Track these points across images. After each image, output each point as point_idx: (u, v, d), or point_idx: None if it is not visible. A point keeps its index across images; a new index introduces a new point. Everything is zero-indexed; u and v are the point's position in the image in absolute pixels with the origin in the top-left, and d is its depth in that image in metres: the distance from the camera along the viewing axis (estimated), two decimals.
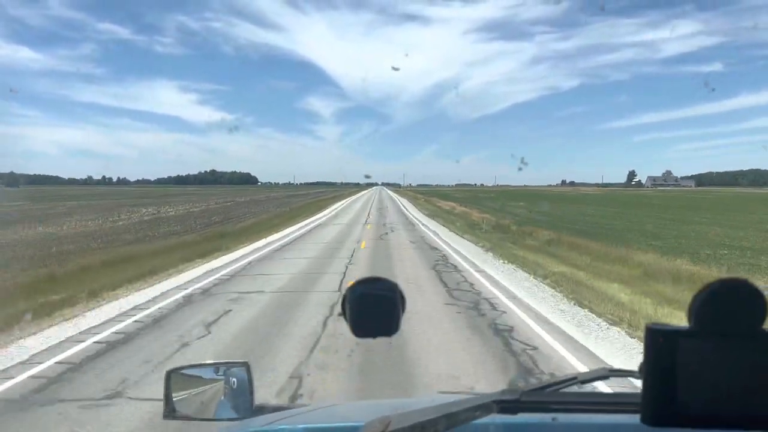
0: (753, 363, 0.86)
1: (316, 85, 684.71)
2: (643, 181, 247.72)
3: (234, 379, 1.62)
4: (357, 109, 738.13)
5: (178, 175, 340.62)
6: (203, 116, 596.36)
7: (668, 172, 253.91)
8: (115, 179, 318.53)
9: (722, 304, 0.86)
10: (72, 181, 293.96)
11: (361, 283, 1.18)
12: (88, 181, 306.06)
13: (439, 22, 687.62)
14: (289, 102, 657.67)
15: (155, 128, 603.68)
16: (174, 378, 1.62)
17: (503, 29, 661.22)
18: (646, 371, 0.89)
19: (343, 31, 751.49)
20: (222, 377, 1.64)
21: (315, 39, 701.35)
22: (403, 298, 1.18)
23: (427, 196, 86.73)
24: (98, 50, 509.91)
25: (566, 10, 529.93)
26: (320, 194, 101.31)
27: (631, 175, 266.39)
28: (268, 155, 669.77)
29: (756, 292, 0.86)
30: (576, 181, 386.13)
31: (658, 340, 0.88)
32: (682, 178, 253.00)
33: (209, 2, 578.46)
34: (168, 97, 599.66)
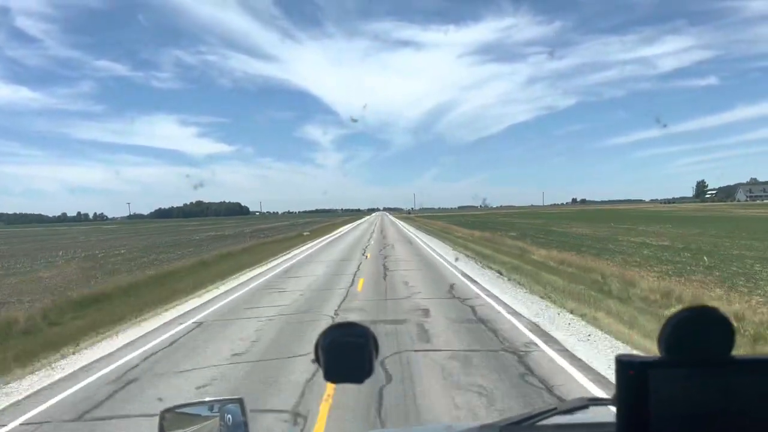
0: (724, 390, 0.86)
1: (314, 113, 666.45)
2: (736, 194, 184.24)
3: (229, 416, 1.56)
4: (356, 136, 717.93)
5: (160, 208, 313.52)
6: (202, 149, 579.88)
7: (754, 180, 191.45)
8: (91, 216, 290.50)
9: (691, 332, 0.86)
10: (41, 218, 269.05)
11: (334, 328, 1.18)
12: (62, 218, 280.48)
13: (433, 47, 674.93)
14: (288, 131, 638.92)
15: (155, 162, 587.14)
16: (168, 417, 1.55)
17: (497, 51, 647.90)
18: (618, 402, 0.89)
19: (339, 59, 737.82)
20: (217, 414, 1.57)
21: (311, 68, 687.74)
22: (376, 343, 1.18)
23: (480, 230, 42.94)
24: (96, 87, 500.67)
25: (559, 30, 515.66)
26: (276, 230, 63.57)
27: (702, 186, 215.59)
28: (268, 185, 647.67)
29: (723, 319, 0.87)
30: (587, 198, 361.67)
31: (627, 371, 0.87)
32: None
33: (203, 36, 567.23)
34: (167, 131, 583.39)
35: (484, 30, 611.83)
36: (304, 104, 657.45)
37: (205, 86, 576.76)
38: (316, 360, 1.16)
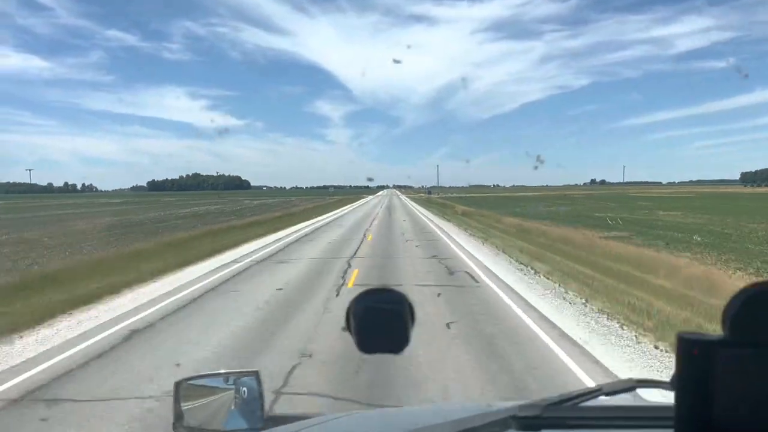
0: None
1: (325, 88, 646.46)
2: None
3: (244, 389, 1.54)
4: (366, 112, 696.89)
5: (153, 180, 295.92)
6: (212, 122, 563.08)
7: None
8: (79, 187, 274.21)
9: (759, 311, 0.79)
10: (31, 188, 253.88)
11: (368, 294, 1.12)
12: (48, 189, 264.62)
13: (446, 23, 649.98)
14: (298, 106, 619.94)
15: (162, 134, 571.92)
16: (183, 388, 1.53)
17: (511, 28, 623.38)
18: (679, 384, 0.83)
19: (350, 33, 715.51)
20: (232, 387, 1.56)
21: (322, 42, 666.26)
22: (412, 311, 1.11)
23: None
24: (106, 58, 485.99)
25: (574, 7, 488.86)
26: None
27: None
28: (277, 159, 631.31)
29: None
30: (606, 180, 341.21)
31: (691, 351, 0.82)
32: None
33: (215, 8, 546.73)
34: (177, 103, 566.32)
35: (498, 6, 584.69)
36: (314, 79, 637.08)
37: (216, 59, 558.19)
38: (348, 329, 1.09)
